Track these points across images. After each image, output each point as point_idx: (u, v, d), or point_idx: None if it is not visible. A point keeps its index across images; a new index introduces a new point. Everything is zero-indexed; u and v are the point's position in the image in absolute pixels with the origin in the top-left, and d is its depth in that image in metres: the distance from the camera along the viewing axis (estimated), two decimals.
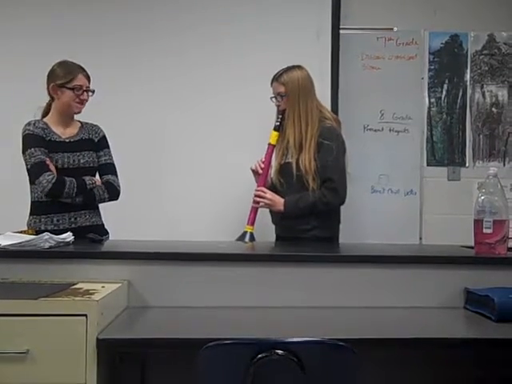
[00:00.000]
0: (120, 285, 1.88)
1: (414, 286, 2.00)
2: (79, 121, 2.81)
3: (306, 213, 2.72)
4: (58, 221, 2.66)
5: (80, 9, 3.49)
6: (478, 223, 2.12)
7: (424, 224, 3.67)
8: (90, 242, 2.40)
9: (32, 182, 2.68)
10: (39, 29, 3.47)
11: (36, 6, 3.49)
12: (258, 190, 2.83)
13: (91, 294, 1.71)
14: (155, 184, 3.45)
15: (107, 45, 3.46)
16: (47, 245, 2.04)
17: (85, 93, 2.72)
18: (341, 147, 2.79)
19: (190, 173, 3.46)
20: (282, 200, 2.77)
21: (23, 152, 2.67)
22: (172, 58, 3.51)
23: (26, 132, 2.68)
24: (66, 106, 2.71)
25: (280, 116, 2.83)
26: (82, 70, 2.72)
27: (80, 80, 2.70)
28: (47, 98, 2.78)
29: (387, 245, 2.75)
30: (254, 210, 2.86)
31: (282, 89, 2.80)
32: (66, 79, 2.69)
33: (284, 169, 2.80)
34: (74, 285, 1.84)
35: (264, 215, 2.89)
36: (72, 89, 2.69)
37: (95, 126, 2.83)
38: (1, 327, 1.56)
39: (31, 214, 2.71)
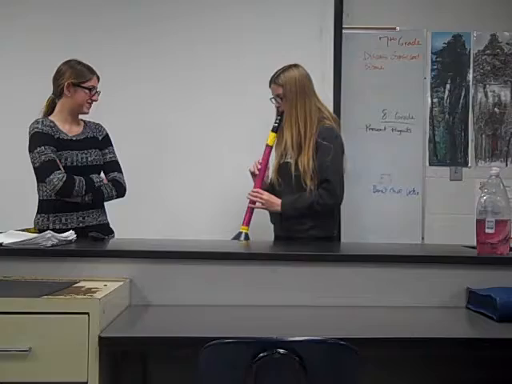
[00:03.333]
0: (122, 283, 1.89)
1: (416, 285, 2.00)
2: (82, 119, 2.81)
3: (303, 213, 2.72)
4: (66, 220, 2.64)
5: (81, 9, 3.49)
6: (480, 223, 2.12)
7: (426, 224, 3.66)
8: (92, 241, 2.41)
9: (41, 181, 2.65)
10: (40, 28, 3.46)
11: (37, 6, 3.49)
12: (255, 192, 2.83)
13: (93, 292, 1.71)
14: (154, 184, 3.43)
15: (107, 45, 3.45)
16: (49, 243, 2.05)
17: (96, 94, 2.73)
18: (339, 148, 2.78)
19: (189, 173, 3.46)
20: (278, 201, 2.77)
21: (31, 150, 2.62)
22: (170, 58, 3.50)
23: (35, 130, 2.64)
24: (79, 105, 2.71)
25: (279, 117, 2.81)
26: (94, 71, 2.73)
27: (94, 81, 2.72)
28: (46, 96, 2.76)
29: (389, 244, 2.74)
30: (250, 211, 2.86)
31: (280, 90, 2.78)
32: (83, 79, 2.68)
33: (282, 168, 2.79)
34: (76, 283, 1.84)
35: (262, 215, 2.88)
36: (87, 89, 2.69)
37: (98, 124, 2.83)
38: (3, 325, 1.56)
39: (39, 212, 2.69)
